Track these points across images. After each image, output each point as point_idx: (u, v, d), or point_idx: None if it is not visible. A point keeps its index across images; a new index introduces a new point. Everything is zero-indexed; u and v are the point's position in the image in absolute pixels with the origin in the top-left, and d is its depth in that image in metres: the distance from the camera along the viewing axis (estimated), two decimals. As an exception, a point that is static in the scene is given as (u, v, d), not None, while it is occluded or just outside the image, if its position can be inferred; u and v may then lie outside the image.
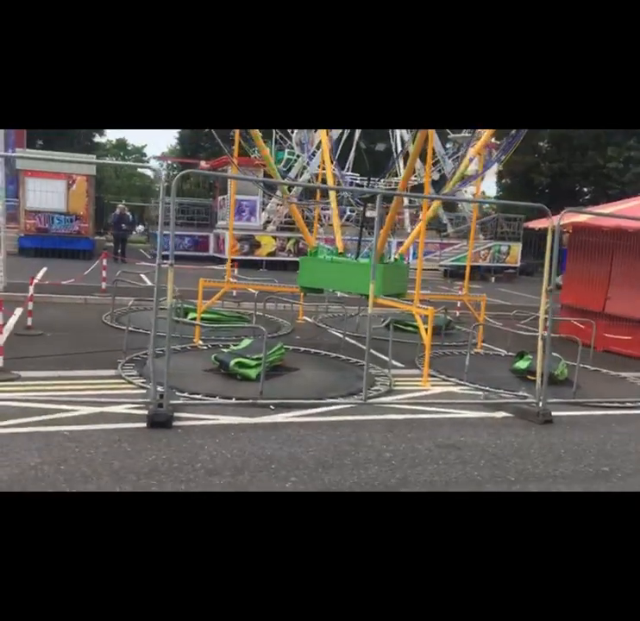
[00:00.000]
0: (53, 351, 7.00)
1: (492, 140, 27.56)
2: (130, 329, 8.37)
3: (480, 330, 10.32)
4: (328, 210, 27.52)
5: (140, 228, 32.39)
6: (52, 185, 19.04)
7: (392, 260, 9.70)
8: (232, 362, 6.52)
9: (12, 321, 8.39)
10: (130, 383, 6.04)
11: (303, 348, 8.59)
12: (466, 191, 30.68)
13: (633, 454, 5.28)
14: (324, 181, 27.00)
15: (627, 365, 9.29)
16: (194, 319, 9.74)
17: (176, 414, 5.14)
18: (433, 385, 7.15)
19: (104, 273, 11.20)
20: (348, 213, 25.54)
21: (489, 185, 58.09)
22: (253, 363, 6.62)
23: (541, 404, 6.01)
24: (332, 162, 10.13)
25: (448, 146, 28.80)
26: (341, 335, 9.96)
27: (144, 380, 6.06)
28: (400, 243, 25.79)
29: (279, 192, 8.86)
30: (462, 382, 7.33)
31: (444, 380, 7.46)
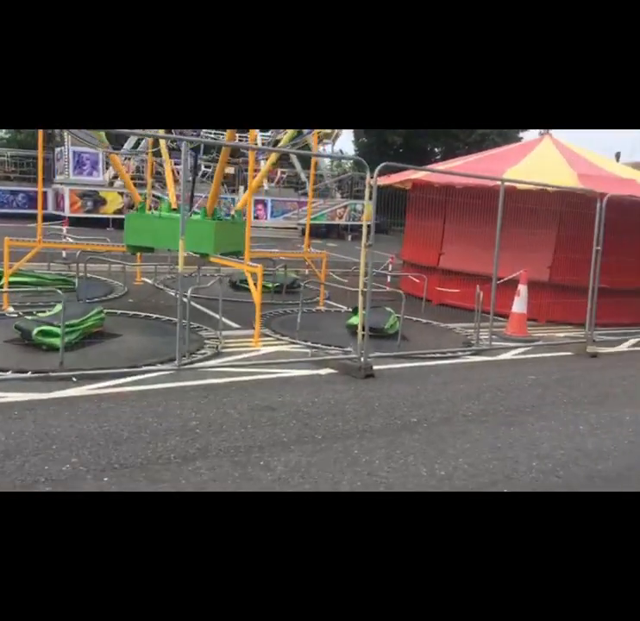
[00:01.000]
0: None
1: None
2: None
3: (322, 288, 10.33)
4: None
5: None
6: None
7: (229, 217, 9.29)
8: (35, 330, 5.85)
9: None
10: None
11: (132, 312, 8.02)
12: (324, 149, 30.83)
13: (443, 402, 5.45)
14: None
15: (458, 317, 9.72)
16: (14, 284, 8.79)
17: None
18: (265, 346, 6.97)
19: None
20: (204, 169, 24.54)
21: (346, 144, 58.87)
22: (59, 331, 5.99)
23: (363, 359, 6.04)
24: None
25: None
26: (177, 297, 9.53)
27: None
28: (259, 201, 25.45)
29: (95, 141, 8.04)
30: (295, 341, 7.24)
31: (278, 340, 7.31)
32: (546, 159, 11.23)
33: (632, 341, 9.27)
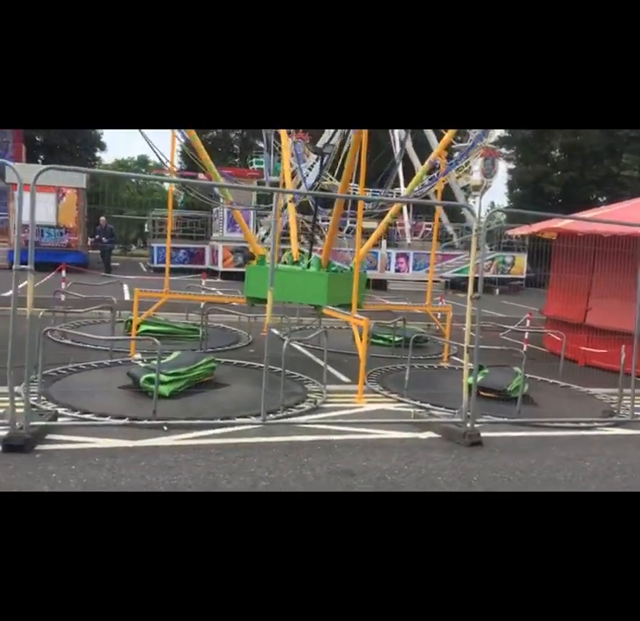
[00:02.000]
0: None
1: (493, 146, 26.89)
2: (70, 342, 8.08)
3: (446, 343, 9.75)
4: (325, 220, 27.07)
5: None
6: (42, 198, 18.99)
7: (349, 268, 9.19)
8: (142, 378, 6.07)
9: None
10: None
11: (248, 363, 8.11)
12: (474, 202, 30.15)
13: (560, 482, 4.66)
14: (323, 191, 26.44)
15: (604, 380, 8.55)
16: (147, 332, 9.39)
17: (52, 436, 4.71)
18: (369, 403, 6.60)
19: (63, 285, 10.90)
20: (349, 225, 25.13)
21: (498, 195, 56.96)
22: (166, 379, 6.16)
23: (469, 424, 5.42)
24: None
25: (455, 154, 28.23)
26: (300, 349, 9.53)
27: (43, 399, 5.66)
28: (401, 255, 25.38)
29: (222, 199, 8.46)
30: (403, 399, 6.78)
31: (385, 397, 6.90)
32: None
33: None
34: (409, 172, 28.74)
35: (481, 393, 7.21)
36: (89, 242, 21.73)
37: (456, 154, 27.70)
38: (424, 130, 25.12)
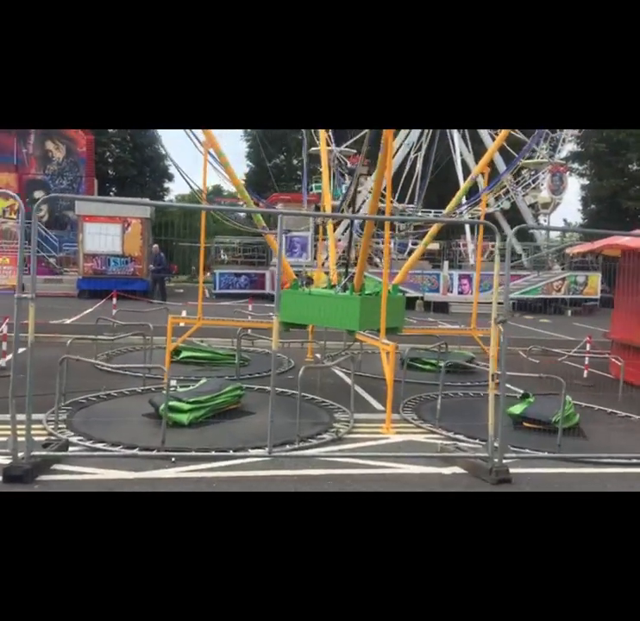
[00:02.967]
0: None
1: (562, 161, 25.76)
2: (110, 368, 8.17)
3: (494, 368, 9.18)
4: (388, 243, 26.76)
5: None
6: (108, 229, 19.85)
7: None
8: (162, 406, 6.00)
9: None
10: (44, 430, 5.66)
11: (280, 389, 7.91)
12: (546, 220, 28.99)
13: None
14: (378, 212, 26.36)
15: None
16: (187, 358, 9.42)
17: (59, 466, 4.68)
18: (398, 433, 6.23)
19: (114, 312, 11.20)
20: (411, 246, 24.74)
21: (571, 212, 54.41)
22: (186, 407, 6.06)
23: (497, 459, 4.96)
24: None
25: (523, 172, 27.34)
26: (341, 375, 9.28)
27: (62, 427, 5.70)
28: (464, 276, 24.65)
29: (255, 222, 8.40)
30: (434, 430, 6.36)
31: (417, 427, 6.51)
32: None
33: None
34: (472, 190, 28.07)
35: (525, 424, 6.70)
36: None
37: (524, 171, 26.89)
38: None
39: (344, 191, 24.41)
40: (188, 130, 7.19)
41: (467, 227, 26.16)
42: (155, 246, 20.46)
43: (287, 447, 5.47)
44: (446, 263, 23.95)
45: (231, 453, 5.24)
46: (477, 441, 5.96)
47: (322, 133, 10.49)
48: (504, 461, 5.14)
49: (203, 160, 7.69)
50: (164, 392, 6.69)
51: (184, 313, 14.22)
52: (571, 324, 19.37)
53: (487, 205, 27.82)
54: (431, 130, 26.15)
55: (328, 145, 21.52)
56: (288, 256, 21.99)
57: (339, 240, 25.78)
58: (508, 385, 9.29)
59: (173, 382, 8.18)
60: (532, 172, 26.40)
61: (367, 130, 10.93)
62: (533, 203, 26.48)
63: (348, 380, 9.00)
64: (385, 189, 6.62)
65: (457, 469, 5.16)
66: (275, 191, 25.82)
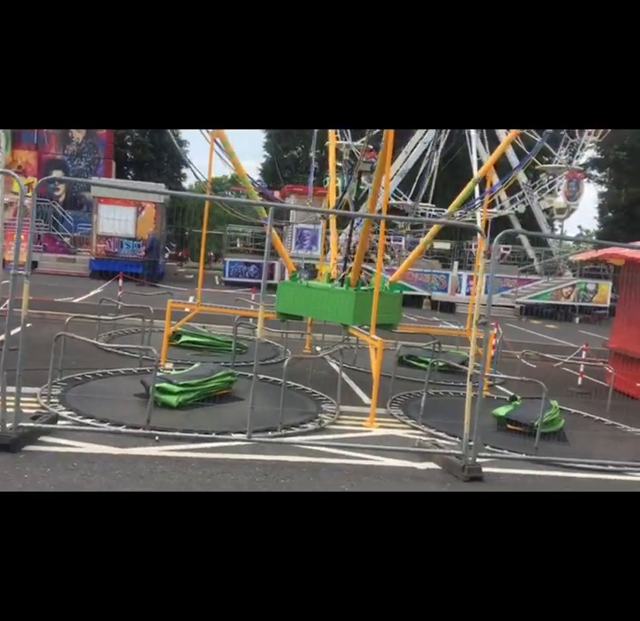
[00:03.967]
0: None
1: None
2: (111, 349, 8.35)
3: (486, 371, 9.27)
4: (396, 240, 26.77)
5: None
6: (122, 212, 20.08)
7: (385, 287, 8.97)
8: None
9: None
10: (37, 403, 5.85)
11: (272, 378, 8.08)
12: (560, 227, 28.81)
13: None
14: (392, 211, 26.23)
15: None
16: (186, 343, 9.60)
17: (46, 438, 4.87)
18: (381, 427, 6.36)
19: (119, 294, 11.40)
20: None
21: (587, 219, 53.71)
22: (176, 389, 6.23)
23: (471, 457, 5.08)
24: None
25: (541, 176, 27.17)
26: (336, 368, 9.41)
27: (55, 401, 5.89)
28: (472, 277, 24.58)
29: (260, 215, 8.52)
30: (417, 426, 6.48)
31: (401, 423, 6.64)
32: None
33: None
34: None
35: (509, 426, 6.80)
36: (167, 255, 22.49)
37: (542, 175, 26.73)
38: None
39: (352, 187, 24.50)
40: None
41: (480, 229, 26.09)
42: (150, 230, 20.45)
43: (269, 433, 5.63)
44: (456, 263, 23.95)
45: (214, 435, 5.40)
46: (457, 439, 6.07)
47: (331, 131, 10.55)
48: (479, 460, 5.26)
49: (209, 150, 7.83)
50: (159, 373, 6.89)
51: (191, 299, 14.43)
52: (577, 332, 19.33)
53: (502, 208, 27.83)
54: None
55: (344, 139, 21.59)
56: (297, 249, 22.14)
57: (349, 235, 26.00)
58: (500, 388, 9.43)
59: (169, 365, 8.39)
60: (550, 177, 26.23)
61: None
62: (548, 208, 26.33)
63: (343, 374, 9.16)
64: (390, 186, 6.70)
65: (432, 465, 5.28)
66: (287, 183, 25.91)
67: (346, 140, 20.96)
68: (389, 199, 26.37)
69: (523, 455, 5.78)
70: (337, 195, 9.61)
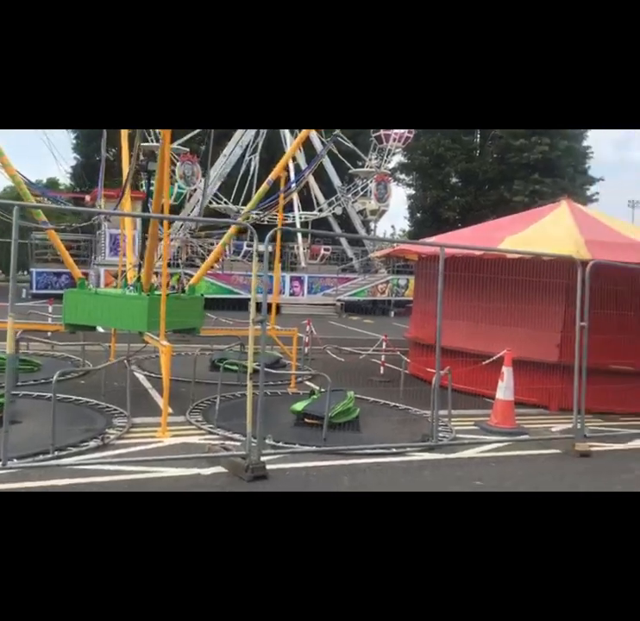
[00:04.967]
0: None
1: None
2: None
3: (293, 368, 9.47)
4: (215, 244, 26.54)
5: None
6: None
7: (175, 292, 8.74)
8: None
9: None
10: None
11: (64, 396, 7.43)
12: (374, 228, 30.48)
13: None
14: (215, 214, 26.01)
15: (454, 403, 8.37)
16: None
17: None
18: (174, 436, 6.12)
19: None
20: (246, 248, 24.80)
21: (400, 219, 58.68)
22: None
23: (254, 456, 5.04)
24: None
25: (356, 179, 28.54)
26: (141, 378, 8.96)
27: None
28: (295, 278, 25.23)
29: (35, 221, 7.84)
30: (214, 431, 6.35)
31: (197, 429, 6.45)
32: (557, 225, 10.07)
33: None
34: (306, 198, 28.86)
35: (306, 421, 6.92)
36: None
37: (356, 179, 28.16)
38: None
39: (174, 191, 23.89)
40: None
41: (249, 226, 26.86)
42: None
43: (40, 457, 5.12)
44: (279, 265, 24.34)
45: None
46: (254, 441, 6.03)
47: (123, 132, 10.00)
48: (269, 457, 5.26)
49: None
50: None
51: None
52: (392, 324, 20.57)
53: (321, 210, 28.88)
54: (266, 131, 26.41)
55: (156, 141, 20.87)
56: (111, 255, 20.95)
57: (172, 239, 25.21)
58: (308, 383, 9.65)
59: None
60: (363, 180, 27.73)
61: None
62: (362, 209, 27.83)
63: (147, 384, 8.74)
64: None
65: (219, 469, 5.16)
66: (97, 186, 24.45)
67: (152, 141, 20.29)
68: (210, 203, 26.11)
69: (313, 448, 5.88)
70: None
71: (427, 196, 35.23)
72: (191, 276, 12.99)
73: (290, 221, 26.44)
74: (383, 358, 10.65)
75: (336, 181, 27.97)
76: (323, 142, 25.06)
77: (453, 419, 7.51)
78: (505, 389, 7.45)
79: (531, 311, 8.97)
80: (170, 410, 7.07)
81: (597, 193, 35.79)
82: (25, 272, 27.43)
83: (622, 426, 7.87)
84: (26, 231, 25.05)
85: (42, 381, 8.23)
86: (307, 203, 28.31)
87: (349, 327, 20.02)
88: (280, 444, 5.91)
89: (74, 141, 30.61)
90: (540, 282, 8.76)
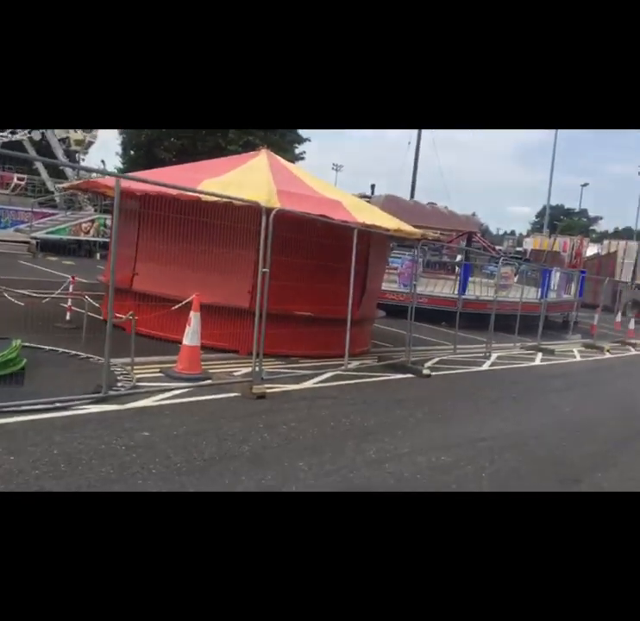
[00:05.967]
0: None
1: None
2: None
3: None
4: None
5: None
6: None
7: None
8: None
9: None
10: None
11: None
12: (82, 160, 27.70)
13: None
14: None
15: (144, 349, 7.90)
16: None
17: None
18: None
19: None
20: None
21: (110, 155, 54.09)
22: None
23: None
24: None
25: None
26: None
27: None
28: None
29: None
30: None
31: None
32: (254, 173, 10.19)
33: (328, 374, 8.37)
34: None
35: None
36: None
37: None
38: None
39: None
40: None
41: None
42: None
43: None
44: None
45: None
46: None
47: None
48: None
49: None
50: None
51: None
52: (97, 267, 19.09)
53: (14, 132, 25.06)
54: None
55: None
56: None
57: None
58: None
59: None
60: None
61: None
62: (64, 137, 24.98)
63: None
64: None
65: None
66: None
67: None
68: None
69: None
70: None
71: (142, 133, 33.31)
72: None
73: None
74: (70, 302, 9.67)
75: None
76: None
77: (140, 367, 7.16)
78: (191, 334, 7.31)
79: (226, 257, 8.98)
80: None
81: (304, 152, 38.33)
82: None
83: (300, 368, 8.47)
84: None
85: None
86: None
87: (44, 268, 18.04)
88: None
89: None
90: (234, 227, 8.76)
